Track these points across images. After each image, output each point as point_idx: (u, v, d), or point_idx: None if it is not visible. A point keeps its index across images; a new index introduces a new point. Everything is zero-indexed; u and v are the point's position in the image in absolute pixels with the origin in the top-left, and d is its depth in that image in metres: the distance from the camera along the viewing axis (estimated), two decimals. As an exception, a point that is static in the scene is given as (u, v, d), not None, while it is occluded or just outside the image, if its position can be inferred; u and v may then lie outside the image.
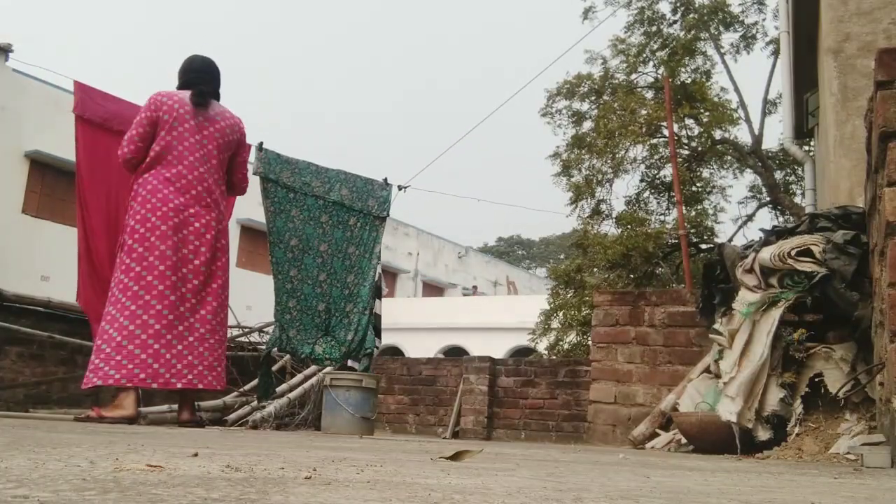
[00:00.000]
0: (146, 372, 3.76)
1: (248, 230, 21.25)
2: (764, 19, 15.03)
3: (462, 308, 24.59)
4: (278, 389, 6.00)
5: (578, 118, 14.45)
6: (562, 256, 28.43)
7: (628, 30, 14.55)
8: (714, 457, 3.07)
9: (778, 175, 14.17)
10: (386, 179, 5.95)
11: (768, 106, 14.15)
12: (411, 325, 22.39)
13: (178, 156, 3.89)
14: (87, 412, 4.24)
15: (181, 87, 4.09)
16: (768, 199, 14.04)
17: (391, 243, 26.80)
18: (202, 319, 3.90)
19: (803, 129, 7.25)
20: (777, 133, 16.69)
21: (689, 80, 13.67)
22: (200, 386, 3.89)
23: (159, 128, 3.92)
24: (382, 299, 5.92)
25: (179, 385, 3.84)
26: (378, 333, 5.71)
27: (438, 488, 1.15)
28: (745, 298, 3.51)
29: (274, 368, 6.17)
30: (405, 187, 6.22)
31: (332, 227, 5.60)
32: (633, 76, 14.42)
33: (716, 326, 3.66)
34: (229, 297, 4.21)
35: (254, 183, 5.51)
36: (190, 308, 3.87)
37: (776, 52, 12.62)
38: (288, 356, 6.06)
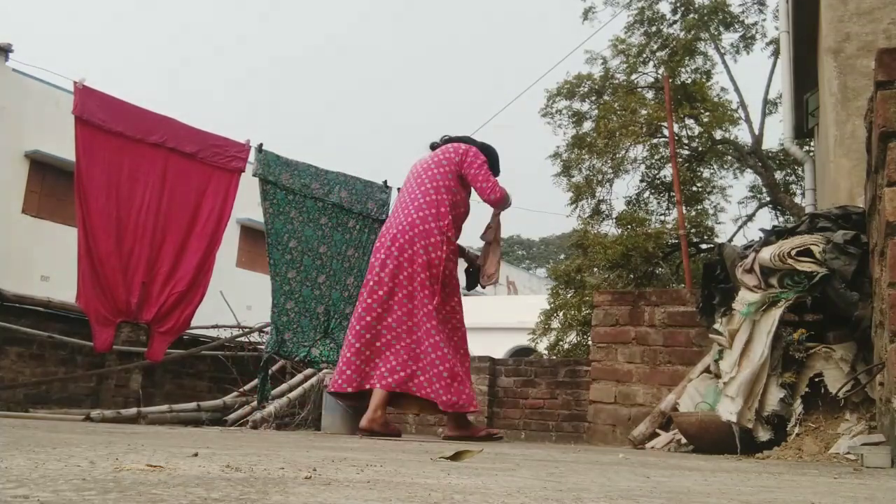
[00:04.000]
0: None
1: (248, 230, 21.23)
2: (764, 19, 15.06)
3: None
4: (278, 389, 6.00)
5: (579, 118, 14.44)
6: (562, 256, 28.41)
7: (628, 30, 14.55)
8: (714, 457, 3.07)
9: (778, 175, 14.17)
10: (385, 182, 5.95)
11: (768, 106, 14.16)
12: (411, 325, 22.33)
13: None
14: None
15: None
16: (768, 199, 14.04)
17: (391, 243, 26.74)
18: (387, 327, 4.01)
19: (803, 129, 7.25)
20: (777, 133, 16.71)
21: (689, 81, 13.66)
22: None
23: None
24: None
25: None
26: None
27: (438, 488, 1.15)
28: (745, 298, 3.50)
29: (274, 369, 6.17)
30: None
31: (331, 230, 5.60)
32: (634, 76, 14.42)
33: (716, 326, 3.66)
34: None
35: (253, 183, 5.52)
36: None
37: (776, 53, 12.62)
38: (288, 356, 6.05)
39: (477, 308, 24.58)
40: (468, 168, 4.11)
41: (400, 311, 3.94)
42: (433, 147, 4.34)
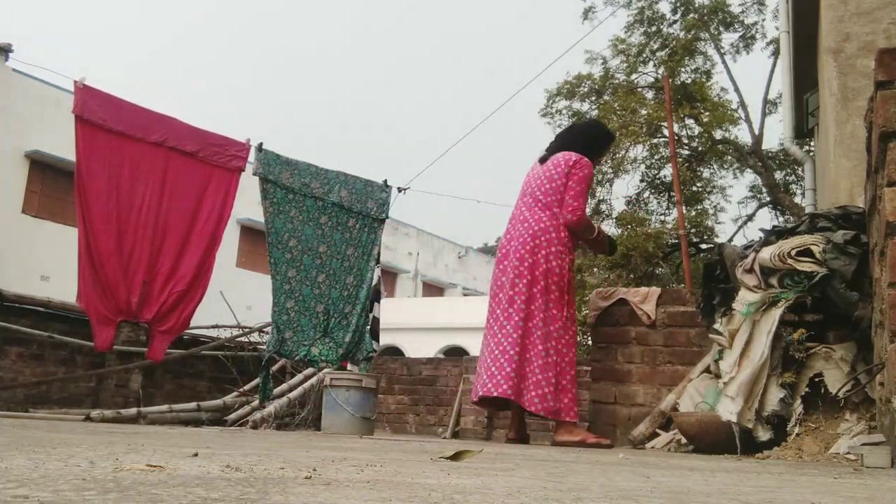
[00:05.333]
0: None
1: (248, 230, 21.25)
2: (764, 19, 15.07)
3: (462, 308, 24.58)
4: (279, 389, 6.00)
5: (579, 118, 14.45)
6: (562, 256, 28.32)
7: (628, 30, 14.57)
8: (714, 457, 3.07)
9: (778, 175, 14.18)
10: (385, 181, 5.95)
11: (768, 106, 14.17)
12: (411, 325, 22.38)
13: None
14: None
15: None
16: (768, 199, 14.06)
17: (391, 243, 26.79)
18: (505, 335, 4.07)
19: (803, 129, 7.25)
20: (777, 133, 16.73)
21: (689, 80, 13.68)
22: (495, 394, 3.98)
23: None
24: (382, 301, 5.92)
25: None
26: (376, 337, 5.71)
27: (438, 488, 1.15)
28: (745, 298, 3.50)
29: (274, 368, 6.17)
30: (405, 189, 6.22)
31: (331, 229, 5.59)
32: (634, 76, 14.43)
33: (716, 326, 3.66)
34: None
35: (253, 183, 5.52)
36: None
37: (776, 53, 12.63)
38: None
39: (478, 308, 24.62)
40: (570, 178, 4.22)
41: (516, 318, 4.02)
42: (543, 158, 4.38)
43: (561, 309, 4.08)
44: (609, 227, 13.04)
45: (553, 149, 4.39)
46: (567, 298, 4.14)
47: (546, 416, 4.03)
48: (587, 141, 4.41)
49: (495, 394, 3.94)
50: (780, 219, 13.41)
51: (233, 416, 5.87)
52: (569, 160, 4.23)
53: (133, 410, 5.51)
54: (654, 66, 14.34)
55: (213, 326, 7.66)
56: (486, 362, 4.06)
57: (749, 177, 14.64)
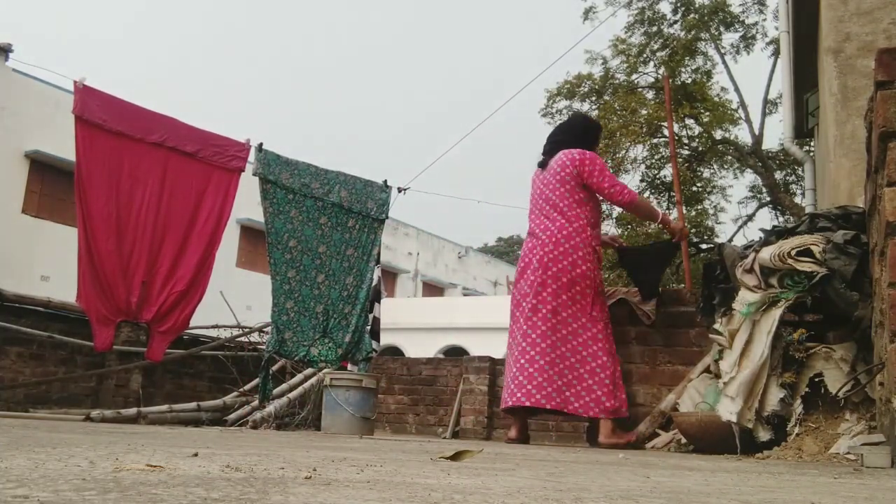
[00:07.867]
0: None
1: (248, 230, 21.24)
2: (764, 19, 15.06)
3: (462, 308, 24.58)
4: (279, 389, 6.00)
5: (579, 119, 14.45)
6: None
7: (629, 30, 14.58)
8: (714, 457, 3.07)
9: (778, 175, 14.19)
10: (385, 182, 5.94)
11: (768, 106, 14.19)
12: (411, 325, 22.37)
13: None
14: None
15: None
16: (768, 199, 14.07)
17: (391, 243, 26.80)
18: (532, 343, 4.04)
19: (803, 129, 7.26)
20: (777, 133, 16.73)
21: (689, 81, 13.68)
22: (528, 404, 3.97)
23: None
24: (382, 301, 5.91)
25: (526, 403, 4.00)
26: (377, 337, 5.71)
27: (438, 488, 1.15)
28: (745, 298, 3.50)
29: (274, 368, 6.17)
30: (405, 189, 6.21)
31: (330, 229, 5.59)
32: (634, 76, 14.44)
33: (716, 326, 3.66)
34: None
35: (253, 183, 5.52)
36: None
37: (776, 53, 12.64)
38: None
39: (479, 308, 24.63)
40: (589, 178, 4.15)
41: (543, 327, 4.00)
42: (543, 162, 4.32)
43: (600, 311, 4.08)
44: (609, 227, 13.03)
45: (549, 152, 4.35)
46: (601, 299, 4.13)
47: (607, 418, 3.97)
48: (582, 135, 4.38)
49: (527, 404, 3.93)
50: (780, 219, 13.42)
51: (233, 416, 5.87)
52: (574, 160, 4.17)
53: (133, 410, 5.51)
54: (655, 66, 14.36)
55: (213, 326, 7.66)
56: (513, 372, 4.04)
57: (749, 177, 14.67)
